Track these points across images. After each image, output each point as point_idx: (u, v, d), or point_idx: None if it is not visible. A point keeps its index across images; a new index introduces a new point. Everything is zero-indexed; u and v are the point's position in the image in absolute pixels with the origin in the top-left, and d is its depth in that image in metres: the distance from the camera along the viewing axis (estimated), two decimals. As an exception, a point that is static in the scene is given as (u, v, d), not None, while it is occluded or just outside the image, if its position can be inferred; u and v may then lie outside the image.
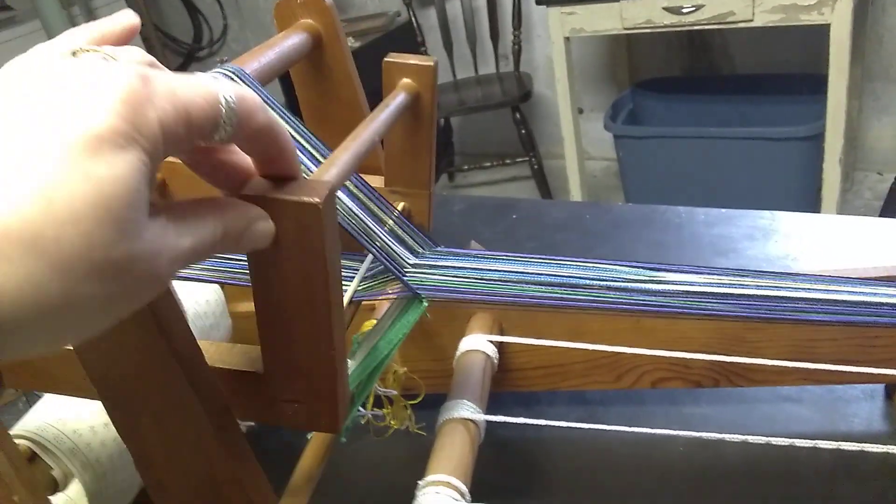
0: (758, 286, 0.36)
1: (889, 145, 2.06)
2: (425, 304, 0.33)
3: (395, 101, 0.40)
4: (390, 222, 0.36)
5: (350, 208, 0.34)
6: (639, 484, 0.45)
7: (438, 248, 0.36)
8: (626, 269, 0.37)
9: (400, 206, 0.46)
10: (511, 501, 0.46)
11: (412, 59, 0.42)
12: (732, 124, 1.87)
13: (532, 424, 0.48)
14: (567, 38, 1.83)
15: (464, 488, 0.36)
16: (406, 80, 0.42)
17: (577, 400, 0.53)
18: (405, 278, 0.34)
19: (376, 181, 0.48)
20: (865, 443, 0.37)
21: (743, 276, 0.37)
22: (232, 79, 0.35)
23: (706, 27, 1.67)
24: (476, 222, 0.82)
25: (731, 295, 0.36)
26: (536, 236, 0.77)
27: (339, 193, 0.35)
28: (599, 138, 2.32)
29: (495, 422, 0.44)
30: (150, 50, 2.78)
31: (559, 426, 0.46)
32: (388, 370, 0.44)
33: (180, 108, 0.20)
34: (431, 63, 0.42)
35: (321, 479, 0.50)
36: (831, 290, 0.36)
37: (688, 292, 0.36)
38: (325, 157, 0.35)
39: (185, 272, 0.39)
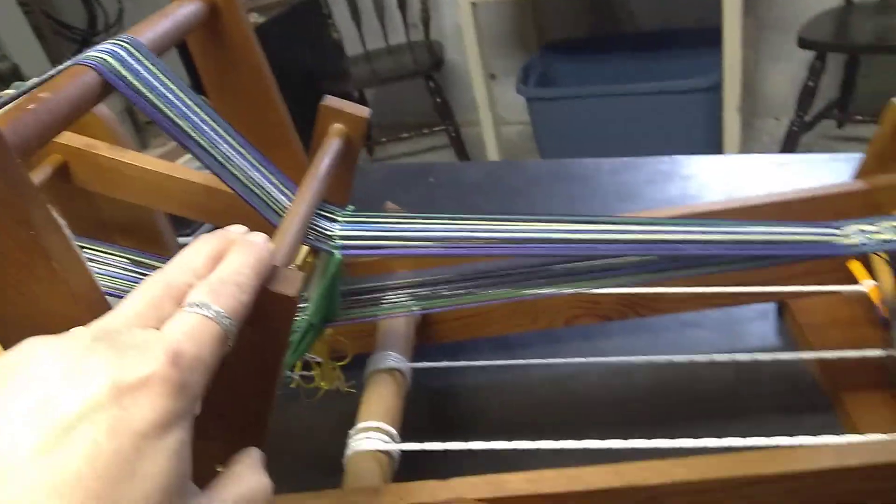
0: (655, 231, 0.37)
1: (783, 91, 2.17)
2: (338, 255, 0.34)
3: (331, 150, 0.41)
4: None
5: (276, 199, 0.35)
6: (560, 414, 0.47)
7: (350, 209, 0.37)
8: (536, 221, 0.38)
9: None
10: (441, 440, 0.48)
11: (348, 108, 0.43)
12: (638, 80, 1.93)
13: (458, 370, 0.50)
14: (473, 4, 1.84)
15: (393, 431, 0.38)
16: (339, 126, 0.43)
17: (500, 346, 0.55)
18: (331, 245, 0.35)
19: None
20: (767, 352, 0.40)
21: (645, 223, 0.38)
22: (128, 51, 0.34)
23: (606, -14, 1.71)
24: (395, 188, 0.84)
25: (635, 241, 0.37)
26: (454, 197, 0.78)
27: (260, 179, 0.36)
28: (514, 102, 2.35)
29: (426, 373, 0.46)
30: (40, 39, 2.63)
31: (483, 368, 0.49)
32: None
33: (209, 364, 0.22)
34: (365, 114, 0.43)
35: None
36: (724, 232, 0.36)
37: (595, 240, 0.37)
38: (286, 187, 0.36)
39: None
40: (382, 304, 0.40)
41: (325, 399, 0.48)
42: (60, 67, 0.33)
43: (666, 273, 0.36)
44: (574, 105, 1.93)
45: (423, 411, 0.51)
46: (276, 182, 0.36)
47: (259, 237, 0.27)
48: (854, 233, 0.35)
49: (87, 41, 3.02)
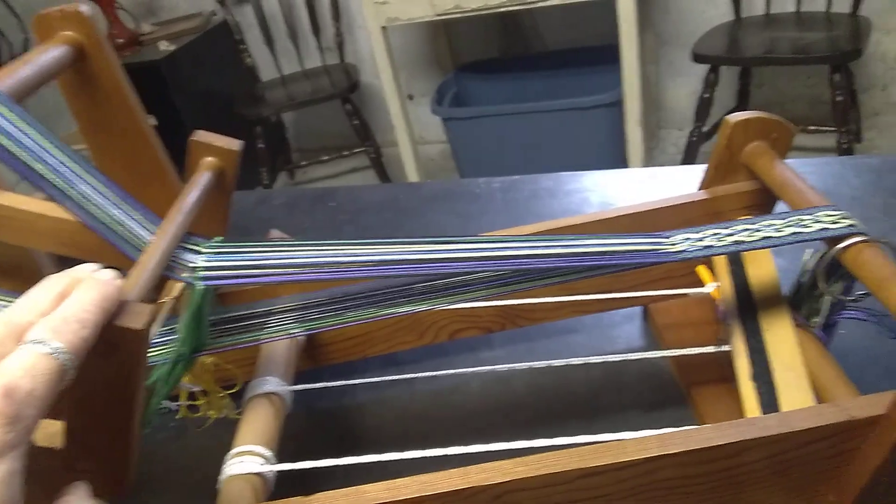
0: (507, 248, 0.40)
1: (685, 104, 2.28)
2: (200, 287, 0.35)
3: (200, 184, 0.42)
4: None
5: (137, 234, 0.36)
6: (441, 425, 0.50)
7: (216, 241, 0.39)
8: (400, 244, 0.40)
9: None
10: (325, 459, 0.49)
11: (218, 141, 0.45)
12: (548, 97, 2.01)
13: (349, 390, 0.52)
14: (384, 28, 1.88)
15: (268, 454, 0.39)
16: (210, 159, 0.45)
17: (389, 363, 0.57)
18: (193, 277, 0.36)
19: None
20: (626, 353, 0.44)
21: (498, 240, 0.41)
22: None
23: (512, 8, 1.77)
24: (296, 213, 0.85)
25: (491, 257, 0.40)
26: (353, 220, 0.80)
27: (111, 209, 0.37)
28: (433, 123, 2.40)
29: (314, 396, 0.48)
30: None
31: (372, 385, 0.50)
32: (194, 362, 0.46)
33: (45, 398, 0.23)
34: (236, 147, 0.45)
35: (152, 475, 0.51)
36: (565, 246, 0.39)
37: (455, 259, 0.39)
38: (150, 222, 0.37)
39: None
40: (258, 329, 0.42)
41: (217, 427, 0.49)
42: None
43: (515, 286, 0.39)
44: (488, 123, 1.98)
45: (317, 432, 0.53)
46: (138, 218, 0.37)
47: (107, 274, 0.28)
48: (680, 241, 0.39)
49: (-10, 73, 2.92)
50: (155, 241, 0.36)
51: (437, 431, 0.49)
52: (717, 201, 0.49)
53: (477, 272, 0.39)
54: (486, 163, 2.04)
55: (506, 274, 0.40)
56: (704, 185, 0.50)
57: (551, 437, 0.38)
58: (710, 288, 0.48)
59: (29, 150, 0.34)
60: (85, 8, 0.46)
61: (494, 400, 0.51)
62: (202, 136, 0.45)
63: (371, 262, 0.37)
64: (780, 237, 0.38)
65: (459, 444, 0.38)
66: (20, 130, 0.35)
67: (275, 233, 0.54)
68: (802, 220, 0.39)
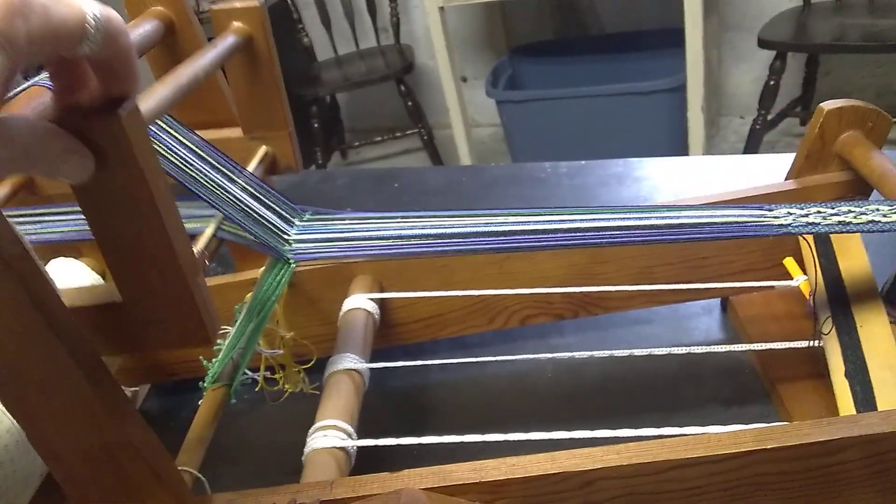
0: (597, 219, 0.40)
1: (748, 90, 2.22)
2: (293, 265, 0.36)
3: (222, 42, 0.41)
4: (257, 196, 0.38)
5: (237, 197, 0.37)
6: (514, 410, 0.50)
7: (308, 214, 0.39)
8: (487, 215, 0.40)
9: (262, 151, 0.47)
10: (400, 438, 0.50)
11: (237, 3, 0.44)
12: (605, 81, 1.97)
13: (420, 371, 0.52)
14: (441, 8, 1.87)
15: (350, 429, 0.40)
16: (236, 24, 0.44)
17: (458, 346, 0.57)
18: (284, 249, 0.36)
19: (234, 132, 0.49)
20: (707, 345, 0.43)
21: (588, 212, 0.40)
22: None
23: (571, -10, 1.74)
24: (360, 193, 0.85)
25: (580, 229, 0.39)
26: (417, 202, 0.80)
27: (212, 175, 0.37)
28: (485, 105, 2.38)
29: (389, 375, 0.48)
30: None
31: (443, 367, 0.51)
32: (274, 336, 0.47)
33: (49, 24, 0.21)
34: (257, 3, 0.43)
35: (226, 445, 0.52)
36: (660, 217, 0.39)
37: (545, 230, 0.39)
38: None
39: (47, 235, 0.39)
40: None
41: (291, 401, 0.50)
42: (19, 89, 0.35)
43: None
44: (543, 107, 1.96)
45: (386, 409, 0.53)
46: None
47: None
48: (783, 215, 0.38)
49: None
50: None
51: (509, 416, 0.49)
52: (807, 191, 0.47)
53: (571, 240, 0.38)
54: (540, 147, 2.02)
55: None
56: (793, 175, 0.49)
57: (633, 428, 0.37)
58: (798, 281, 0.46)
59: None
60: (175, -16, 0.47)
61: (567, 387, 0.50)
62: (221, 3, 0.44)
63: (463, 234, 0.37)
64: (886, 223, 0.37)
65: (533, 430, 0.38)
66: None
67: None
68: (909, 209, 0.37)
